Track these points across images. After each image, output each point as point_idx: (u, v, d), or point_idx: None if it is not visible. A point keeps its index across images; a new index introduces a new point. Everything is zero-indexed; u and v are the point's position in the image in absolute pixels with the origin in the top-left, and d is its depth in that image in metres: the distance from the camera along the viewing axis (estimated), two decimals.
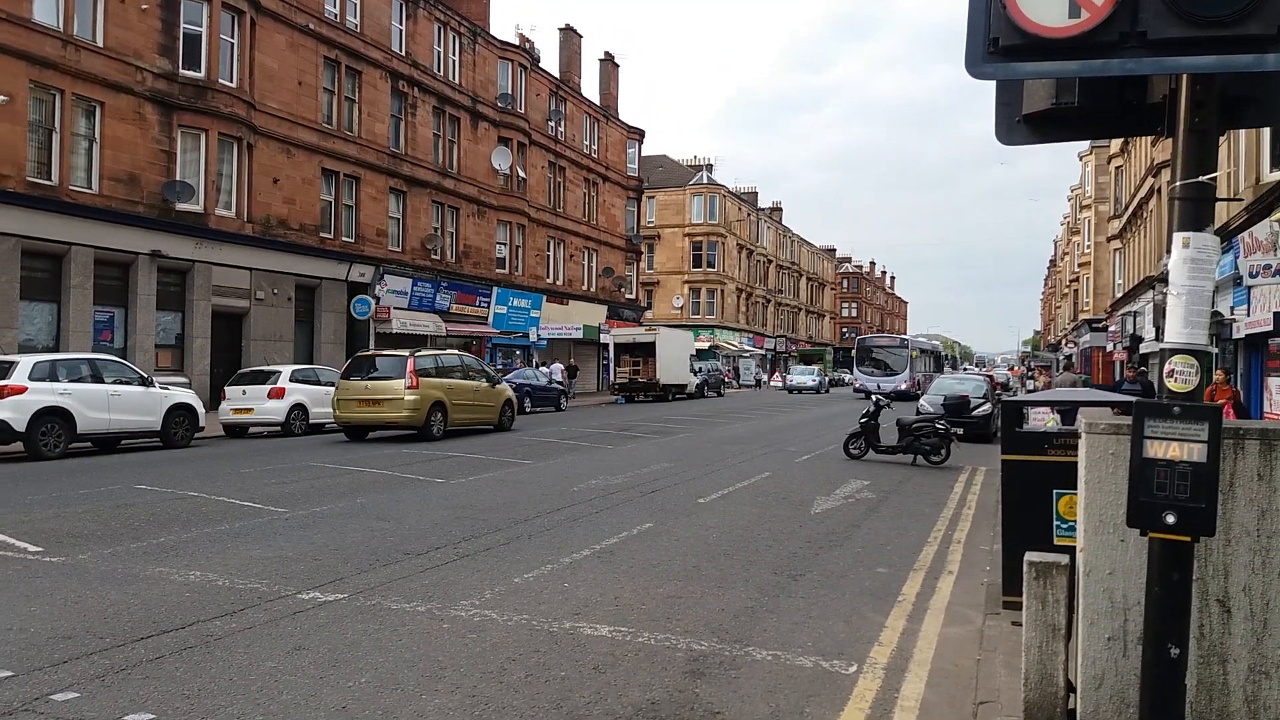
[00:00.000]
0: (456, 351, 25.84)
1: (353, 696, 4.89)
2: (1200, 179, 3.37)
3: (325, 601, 6.73)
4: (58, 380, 16.31)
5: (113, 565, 7.77)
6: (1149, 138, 31.78)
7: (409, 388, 19.98)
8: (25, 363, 16.20)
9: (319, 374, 23.43)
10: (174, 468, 14.83)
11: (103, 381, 17.14)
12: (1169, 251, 3.45)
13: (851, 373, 54.18)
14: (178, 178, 25.29)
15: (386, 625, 6.17)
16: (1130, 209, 40.62)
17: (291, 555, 8.27)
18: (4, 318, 21.20)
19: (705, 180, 74.14)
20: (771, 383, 72.38)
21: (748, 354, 76.50)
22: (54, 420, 16.05)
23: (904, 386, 43.71)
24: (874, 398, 19.28)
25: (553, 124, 46.04)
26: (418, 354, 21.14)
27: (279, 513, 10.51)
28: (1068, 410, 8.08)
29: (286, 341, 29.43)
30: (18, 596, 6.76)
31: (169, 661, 5.38)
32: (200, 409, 19.17)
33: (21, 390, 15.65)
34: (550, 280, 46.36)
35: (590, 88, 52.37)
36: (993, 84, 4.15)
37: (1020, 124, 4.13)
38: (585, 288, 50.12)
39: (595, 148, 51.11)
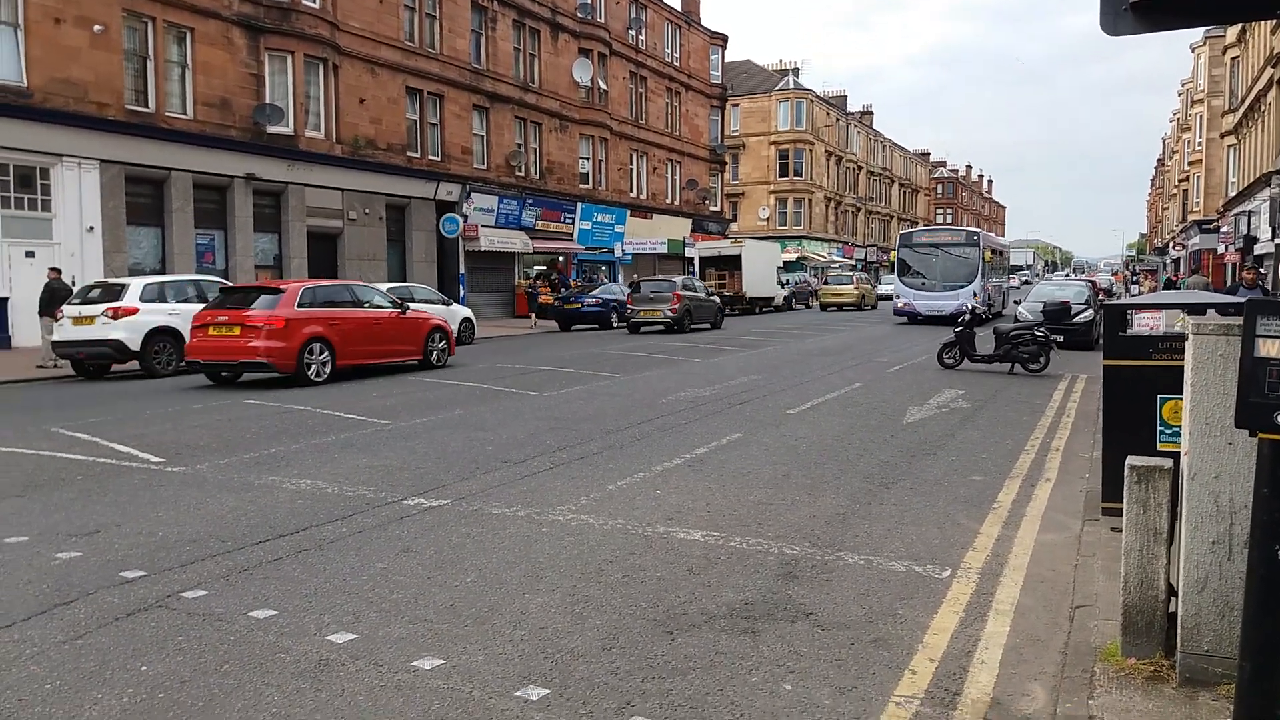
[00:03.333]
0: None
1: (459, 595, 5.12)
2: None
3: (429, 507, 7.01)
4: (166, 301, 17.02)
5: (229, 475, 8.20)
6: (1269, 24, 29.73)
7: (855, 287, 44.43)
8: (136, 285, 16.94)
9: (413, 292, 23.89)
10: (279, 382, 15.42)
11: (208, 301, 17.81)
12: None
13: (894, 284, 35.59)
14: (267, 101, 25.73)
15: (488, 529, 6.41)
16: (1247, 102, 38.28)
17: (396, 464, 8.60)
18: (113, 242, 22.09)
19: (791, 85, 72.18)
20: None
21: (837, 265, 75.26)
22: (165, 339, 16.80)
23: (973, 304, 27.55)
24: (969, 305, 18.78)
25: (633, 32, 45.20)
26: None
27: (382, 424, 10.90)
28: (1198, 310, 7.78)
29: (380, 260, 30.06)
30: (145, 504, 7.20)
31: (286, 563, 5.70)
32: None
33: (134, 311, 16.38)
34: (634, 194, 46.09)
35: None
36: None
37: (1127, 12, 3.91)
38: (669, 201, 49.71)
39: (677, 56, 50.10)
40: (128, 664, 4.25)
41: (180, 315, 17.06)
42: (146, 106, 23.00)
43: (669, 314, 27.67)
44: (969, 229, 36.71)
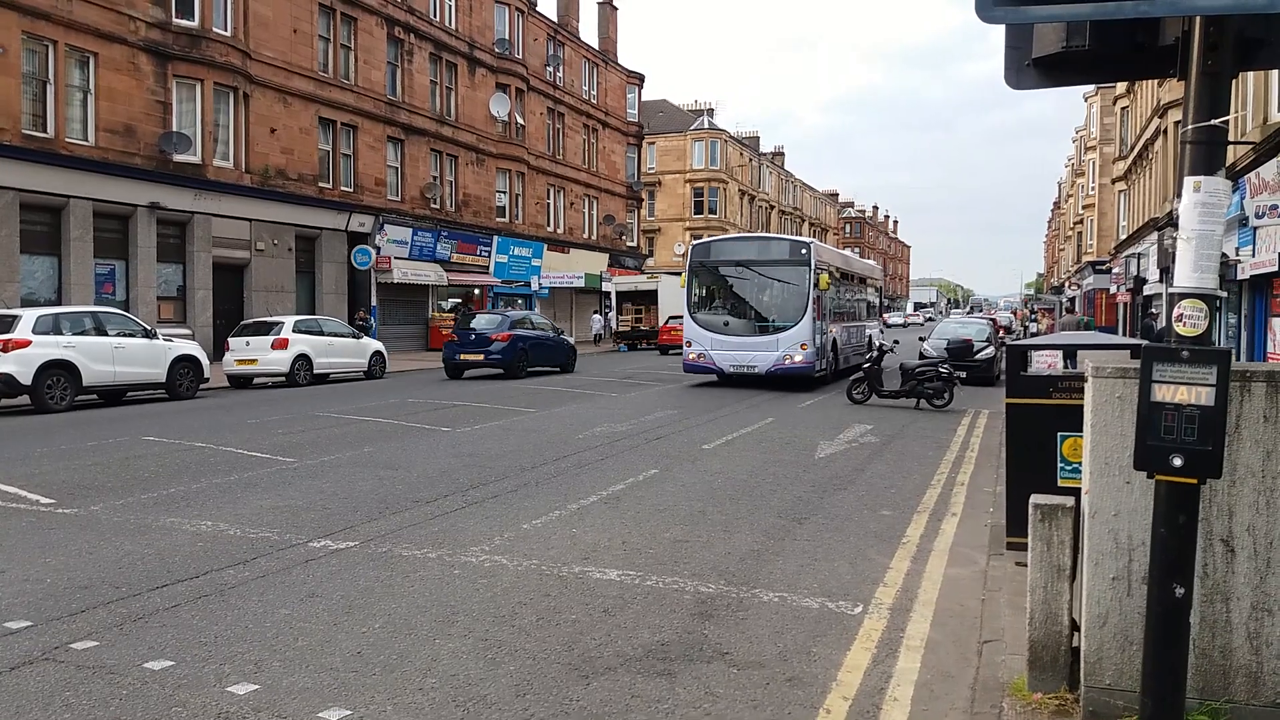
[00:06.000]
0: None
1: (367, 642, 4.97)
2: (1212, 122, 3.34)
3: (337, 549, 6.81)
4: (62, 333, 16.32)
5: (125, 516, 7.86)
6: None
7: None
8: (29, 316, 16.20)
9: (321, 325, 23.45)
10: (181, 419, 14.91)
11: (106, 334, 17.15)
12: (1179, 195, 3.44)
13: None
14: (174, 129, 25.06)
15: (398, 572, 6.25)
16: (1135, 150, 40.25)
17: (301, 504, 8.36)
18: (5, 271, 21.15)
19: (706, 125, 73.32)
20: None
21: None
22: (59, 373, 16.09)
23: (799, 359, 20.21)
24: (878, 343, 19.13)
25: (551, 69, 45.44)
26: None
27: (287, 462, 10.59)
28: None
29: (288, 292, 29.39)
30: (33, 548, 6.84)
31: (185, 610, 5.47)
32: (205, 360, 19.22)
33: (26, 344, 15.66)
34: (551, 229, 46.10)
35: (589, 32, 51.68)
36: (1001, 27, 4.09)
37: (1030, 68, 4.08)
38: (586, 236, 49.86)
39: (594, 93, 50.50)
40: None
41: (76, 348, 16.38)
42: (45, 132, 22.18)
43: None
44: (795, 238, 23.16)
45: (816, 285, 20.70)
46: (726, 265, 21.94)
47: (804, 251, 21.06)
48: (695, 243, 23.18)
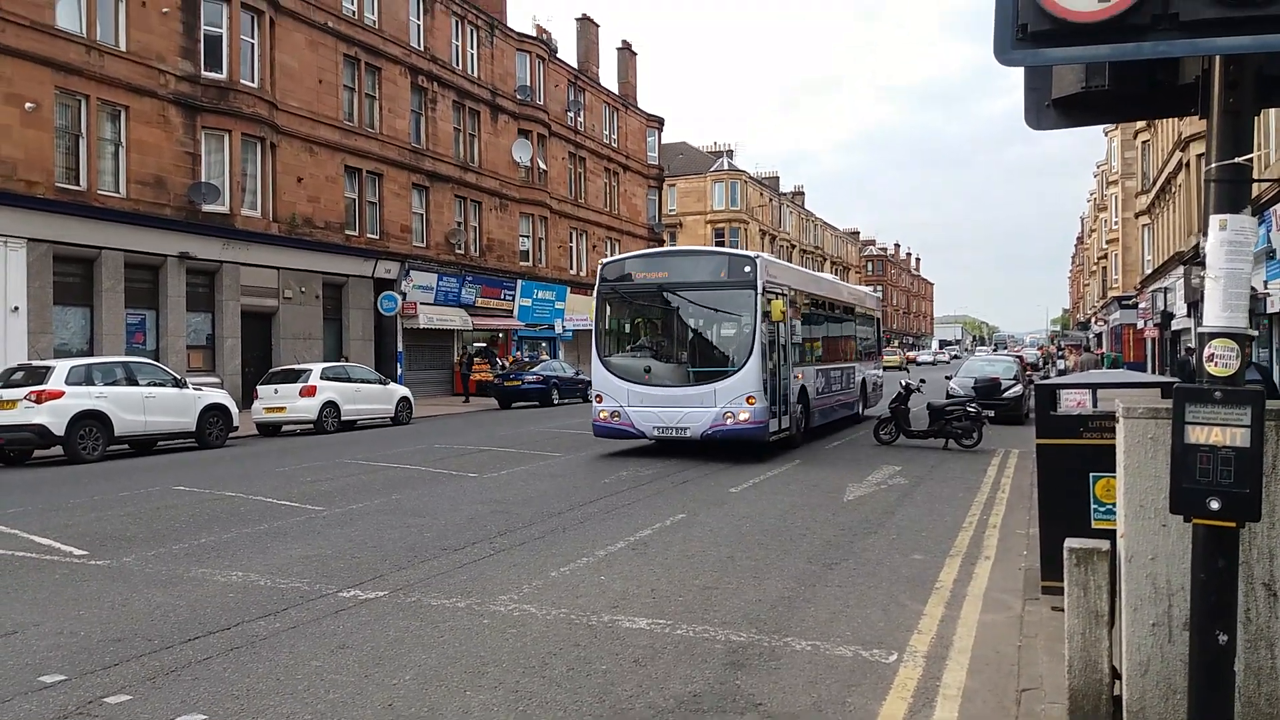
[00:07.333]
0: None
1: (398, 694, 4.96)
2: (1236, 160, 3.34)
3: (366, 599, 6.81)
4: (94, 384, 16.54)
5: (157, 567, 7.90)
6: None
7: None
8: (61, 367, 16.44)
9: (349, 371, 23.62)
10: (211, 468, 15.03)
11: (137, 384, 17.37)
12: (1205, 233, 3.42)
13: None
14: (203, 179, 25.52)
15: (428, 622, 6.24)
16: (1158, 184, 40.08)
17: (331, 554, 8.37)
18: (39, 323, 21.51)
19: (726, 166, 73.91)
20: None
21: None
22: (92, 423, 16.28)
23: (744, 417, 14.78)
24: (902, 381, 19.04)
25: (572, 115, 46.01)
26: None
27: (316, 511, 10.63)
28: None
29: (316, 339, 29.68)
30: (66, 600, 6.89)
31: (217, 662, 5.48)
32: (233, 409, 19.38)
33: (59, 395, 15.88)
34: (574, 272, 46.40)
35: (608, 77, 52.31)
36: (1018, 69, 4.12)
37: (1050, 108, 4.10)
38: None
39: (615, 137, 51.04)
40: None
41: (108, 398, 16.59)
42: (78, 185, 22.66)
43: None
44: (735, 252, 17.80)
45: (761, 314, 15.17)
46: (647, 291, 16.56)
47: (747, 270, 15.53)
48: (605, 261, 17.42)
